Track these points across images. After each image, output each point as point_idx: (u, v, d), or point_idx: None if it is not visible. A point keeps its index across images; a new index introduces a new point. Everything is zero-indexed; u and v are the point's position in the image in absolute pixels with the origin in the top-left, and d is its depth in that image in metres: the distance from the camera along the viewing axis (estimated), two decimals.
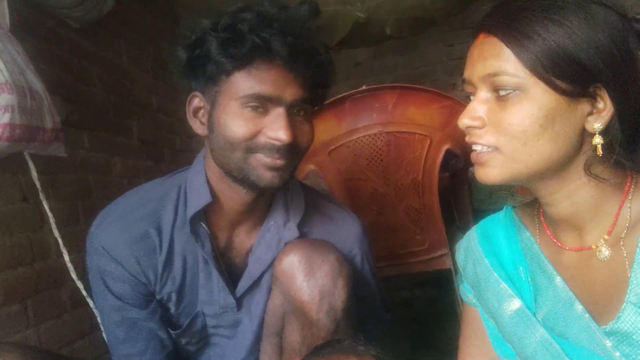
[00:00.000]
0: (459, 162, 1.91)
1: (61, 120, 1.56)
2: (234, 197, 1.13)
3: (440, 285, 2.25)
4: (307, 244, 1.14)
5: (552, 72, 0.75)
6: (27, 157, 1.53)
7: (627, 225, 0.80)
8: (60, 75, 1.94)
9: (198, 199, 1.11)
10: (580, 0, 0.77)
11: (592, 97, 0.77)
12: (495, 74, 0.78)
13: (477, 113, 0.81)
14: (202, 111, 1.10)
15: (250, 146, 1.03)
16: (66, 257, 1.59)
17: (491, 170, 0.81)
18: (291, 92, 1.02)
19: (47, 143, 1.45)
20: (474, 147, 0.83)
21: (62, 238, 1.61)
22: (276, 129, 1.01)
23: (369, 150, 1.71)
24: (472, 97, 0.84)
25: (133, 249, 1.11)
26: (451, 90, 3.27)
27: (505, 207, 1.03)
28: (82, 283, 1.62)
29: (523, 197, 2.09)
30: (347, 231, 1.26)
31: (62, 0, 1.80)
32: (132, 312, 1.14)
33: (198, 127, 1.12)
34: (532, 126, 0.76)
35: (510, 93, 0.77)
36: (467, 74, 0.84)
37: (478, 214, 2.14)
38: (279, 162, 1.04)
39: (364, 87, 1.72)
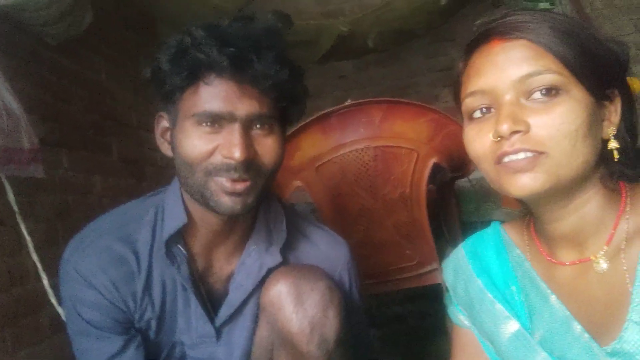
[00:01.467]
0: (445, 174, 1.90)
1: (39, 140, 1.52)
2: (207, 219, 1.07)
3: (432, 299, 2.23)
4: (295, 271, 1.08)
5: (588, 72, 0.75)
6: (4, 180, 1.48)
7: (625, 237, 0.78)
8: (38, 94, 1.89)
9: (174, 220, 1.06)
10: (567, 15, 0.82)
11: (609, 101, 0.78)
12: (537, 73, 0.74)
13: (520, 116, 0.75)
14: (168, 132, 1.06)
15: (207, 168, 0.97)
16: (45, 282, 1.53)
17: (538, 176, 0.74)
18: (245, 107, 0.96)
19: (25, 164, 1.41)
20: (514, 156, 0.76)
21: (41, 261, 1.56)
22: (229, 146, 0.95)
23: (356, 166, 1.69)
24: (482, 111, 0.80)
25: (110, 274, 1.04)
26: (434, 102, 3.29)
27: (492, 224, 1.00)
28: (63, 308, 1.57)
29: (509, 209, 2.08)
30: (335, 256, 1.20)
31: (40, 16, 1.75)
32: (106, 343, 1.06)
33: (166, 148, 1.07)
34: (582, 126, 0.74)
35: (553, 94, 0.74)
36: (489, 82, 0.78)
37: (466, 226, 2.13)
38: (239, 187, 0.97)
39: (349, 102, 1.70)
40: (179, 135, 0.99)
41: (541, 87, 0.74)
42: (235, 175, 0.96)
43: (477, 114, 0.81)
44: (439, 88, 3.34)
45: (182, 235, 1.08)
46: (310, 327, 1.02)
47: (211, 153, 0.97)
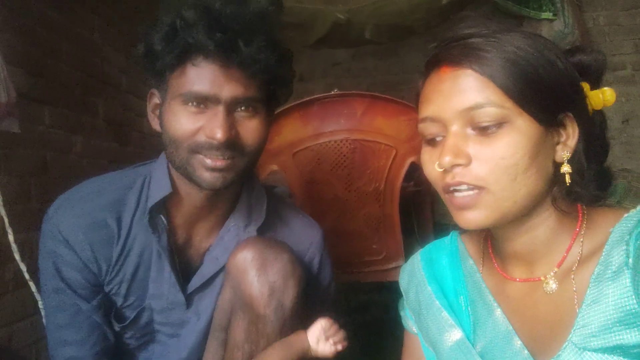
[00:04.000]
0: (422, 174, 1.91)
1: (22, 94, 1.50)
2: (190, 192, 1.12)
3: (397, 292, 2.25)
4: (262, 242, 1.13)
5: (533, 101, 0.74)
6: None
7: (578, 259, 0.79)
8: (25, 47, 1.86)
9: (159, 190, 1.10)
10: (527, 33, 0.79)
11: (562, 126, 0.78)
12: (479, 106, 0.74)
13: (462, 149, 0.75)
14: (158, 109, 1.10)
15: (191, 146, 1.02)
16: (10, 237, 1.53)
17: (481, 212, 0.76)
18: (230, 90, 1.00)
19: (0, 118, 1.40)
20: (457, 190, 0.77)
21: (10, 216, 1.56)
22: (212, 127, 0.99)
23: (333, 156, 1.70)
24: (437, 138, 0.80)
25: (89, 236, 1.08)
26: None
27: (451, 233, 1.01)
28: (26, 264, 1.57)
29: None
30: (307, 239, 1.26)
31: None
32: (78, 301, 1.11)
33: (155, 123, 1.11)
34: (524, 158, 0.74)
35: (496, 125, 0.74)
36: (436, 110, 0.78)
37: (440, 227, 2.14)
38: (219, 164, 1.02)
39: (335, 91, 1.71)
40: (167, 113, 1.04)
41: (482, 120, 0.74)
42: (217, 154, 1.01)
43: (430, 139, 0.82)
44: None
45: (165, 206, 1.13)
46: (270, 292, 1.07)
47: (196, 132, 1.01)
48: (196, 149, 1.02)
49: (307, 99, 1.64)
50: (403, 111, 1.67)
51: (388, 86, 3.39)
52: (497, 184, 0.74)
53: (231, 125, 1.01)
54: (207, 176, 1.03)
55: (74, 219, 1.09)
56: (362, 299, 2.79)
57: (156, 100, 1.10)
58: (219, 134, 0.98)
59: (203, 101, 1.00)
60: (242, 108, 1.03)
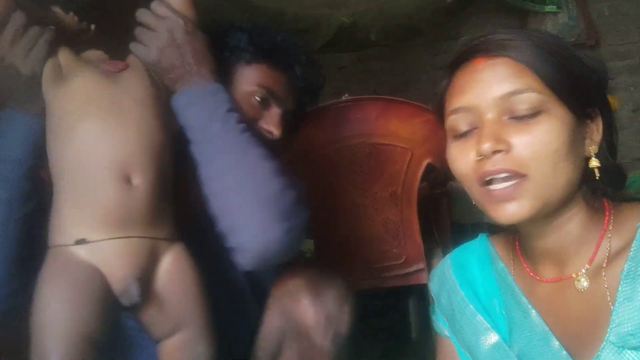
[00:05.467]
0: (439, 175, 1.90)
1: None
2: None
3: (414, 296, 2.23)
4: (311, 266, 1.15)
5: (569, 90, 0.75)
6: None
7: (607, 255, 0.79)
8: None
9: None
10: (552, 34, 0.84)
11: (590, 119, 0.79)
12: (519, 92, 0.74)
13: (502, 136, 0.75)
14: None
15: None
16: None
17: (523, 203, 0.74)
18: (288, 100, 1.18)
19: None
20: (495, 181, 0.76)
21: None
22: (271, 123, 1.14)
23: (349, 161, 1.69)
24: (467, 132, 0.80)
25: None
26: (434, 99, 3.27)
27: (480, 236, 1.01)
28: None
29: None
30: None
31: None
32: None
33: None
34: (563, 146, 0.74)
35: (534, 113, 0.74)
36: (471, 99, 0.78)
37: (458, 227, 2.13)
38: None
39: (346, 96, 1.71)
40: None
41: (523, 106, 0.74)
42: None
43: (461, 132, 0.81)
44: None
45: None
46: (327, 321, 1.03)
47: (254, 121, 1.14)
48: None
49: (321, 105, 1.63)
50: (417, 113, 1.66)
51: (396, 87, 3.38)
52: (539, 171, 0.73)
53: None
54: None
55: None
56: (379, 304, 2.77)
57: None
58: (277, 131, 1.14)
59: (268, 99, 1.15)
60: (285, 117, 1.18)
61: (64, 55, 0.96)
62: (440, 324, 1.01)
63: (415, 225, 1.75)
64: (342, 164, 1.70)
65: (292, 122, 1.22)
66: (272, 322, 1.11)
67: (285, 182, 0.96)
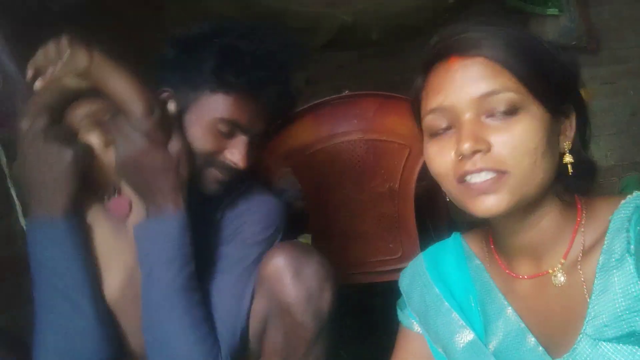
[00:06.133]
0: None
1: None
2: None
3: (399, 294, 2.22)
4: (293, 246, 1.14)
5: (544, 88, 0.76)
6: None
7: (581, 249, 0.80)
8: None
9: None
10: (526, 30, 0.82)
11: (565, 116, 0.80)
12: (496, 92, 0.75)
13: (481, 135, 0.75)
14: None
15: (208, 159, 1.11)
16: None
17: (502, 197, 0.75)
18: (257, 125, 1.13)
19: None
20: (476, 176, 0.76)
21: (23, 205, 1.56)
22: (236, 154, 1.11)
23: (346, 156, 1.70)
24: (444, 131, 0.80)
25: None
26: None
27: (453, 234, 1.02)
28: None
29: None
30: (267, 208, 1.25)
31: None
32: None
33: None
34: (541, 143, 0.75)
35: (512, 112, 0.75)
36: (448, 100, 0.78)
37: (455, 225, 2.13)
38: (227, 178, 1.13)
39: (346, 92, 1.71)
40: (194, 126, 1.12)
41: (500, 106, 0.75)
42: (228, 174, 1.14)
43: (438, 132, 0.81)
44: None
45: None
46: (307, 298, 1.07)
47: (218, 152, 1.13)
48: (211, 164, 1.12)
49: (319, 101, 1.65)
50: None
51: (395, 85, 3.33)
52: (519, 167, 0.74)
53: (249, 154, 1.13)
54: (214, 187, 1.13)
55: None
56: (372, 301, 2.76)
57: (167, 98, 1.13)
58: (242, 163, 1.11)
59: (234, 129, 1.11)
60: (255, 139, 1.15)
61: None
62: (411, 319, 1.01)
63: (412, 221, 1.76)
64: (339, 159, 1.71)
65: (264, 140, 1.20)
66: (256, 304, 1.14)
67: (202, 333, 1.03)
